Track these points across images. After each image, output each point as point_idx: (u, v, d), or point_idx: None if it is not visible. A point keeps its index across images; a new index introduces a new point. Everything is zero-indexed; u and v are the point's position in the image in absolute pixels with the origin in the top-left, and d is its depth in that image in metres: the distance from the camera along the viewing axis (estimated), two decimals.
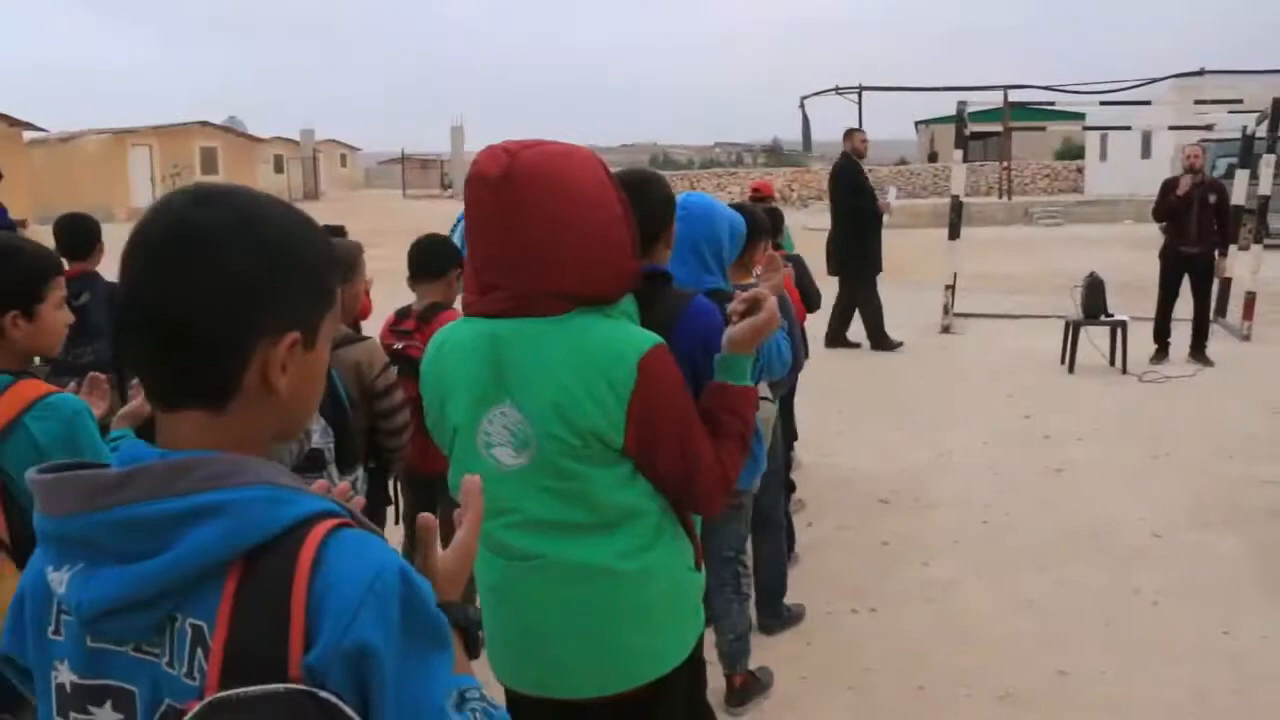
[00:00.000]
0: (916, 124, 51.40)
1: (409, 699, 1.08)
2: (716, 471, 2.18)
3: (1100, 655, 4.44)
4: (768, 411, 3.90)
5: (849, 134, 11.41)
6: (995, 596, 5.04)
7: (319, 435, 3.21)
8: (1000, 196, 33.03)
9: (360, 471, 3.56)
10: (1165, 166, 23.74)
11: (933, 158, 45.20)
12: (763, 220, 4.41)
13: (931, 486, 6.63)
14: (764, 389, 3.99)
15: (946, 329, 12.07)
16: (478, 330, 2.15)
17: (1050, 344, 10.40)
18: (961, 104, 12.12)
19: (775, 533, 4.56)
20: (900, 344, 11.06)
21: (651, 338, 2.12)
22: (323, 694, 1.03)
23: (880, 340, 11.08)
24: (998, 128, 28.58)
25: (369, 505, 3.55)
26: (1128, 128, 17.10)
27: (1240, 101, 12.93)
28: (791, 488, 6.08)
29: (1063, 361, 10.00)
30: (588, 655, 2.18)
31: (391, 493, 4.20)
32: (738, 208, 3.95)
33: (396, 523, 4.04)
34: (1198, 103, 15.56)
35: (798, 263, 6.38)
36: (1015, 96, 30.20)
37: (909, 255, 17.64)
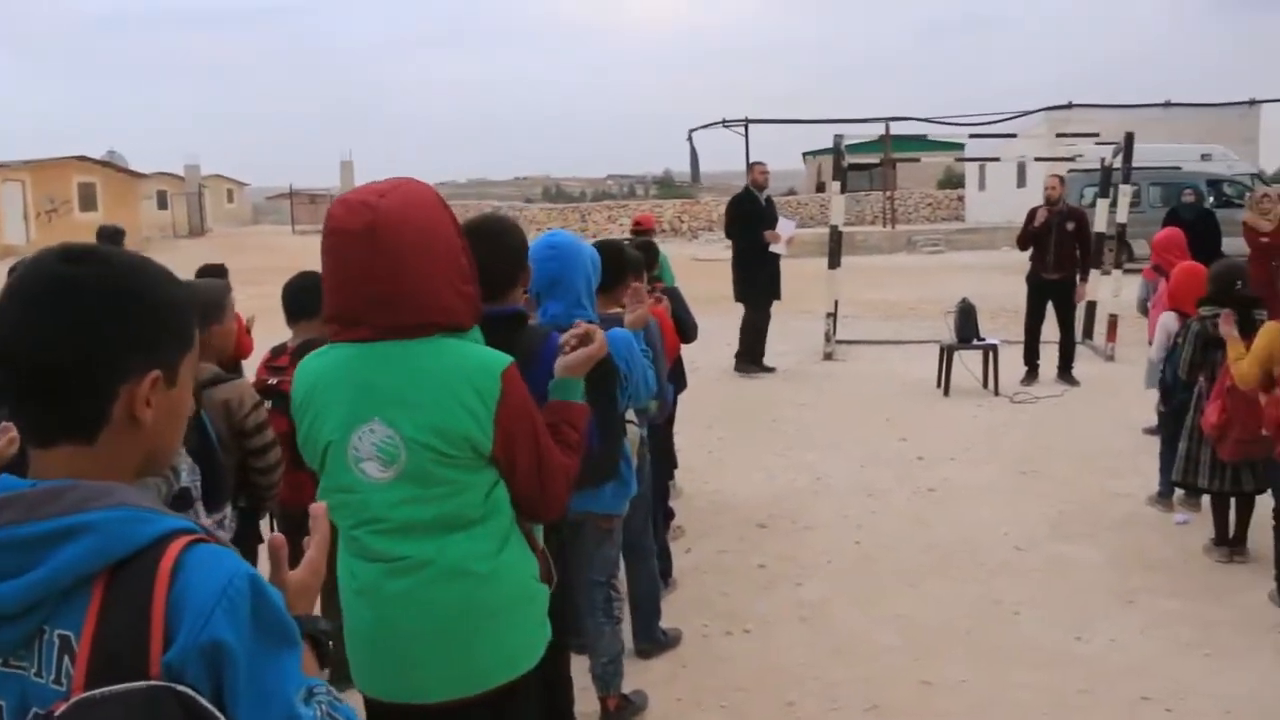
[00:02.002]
0: (804, 155, 52.40)
1: (260, 691, 1.20)
2: (564, 474, 2.43)
3: (962, 665, 4.64)
4: (634, 434, 4.02)
5: (750, 167, 11.83)
6: (865, 614, 5.21)
7: (186, 474, 3.23)
8: (884, 225, 33.87)
9: (229, 510, 3.59)
10: (1039, 195, 24.56)
11: (820, 188, 46.05)
12: (632, 256, 4.55)
13: (808, 510, 6.81)
14: (632, 415, 4.13)
15: (829, 356, 12.37)
16: (347, 354, 2.33)
17: (928, 369, 10.72)
18: (838, 137, 12.47)
19: (646, 558, 4.67)
20: (772, 369, 11.39)
21: (506, 356, 2.35)
22: (180, 688, 1.14)
23: (748, 366, 11.44)
24: (877, 159, 29.38)
25: (240, 544, 3.59)
26: (996, 159, 17.68)
27: (1098, 135, 13.58)
28: (670, 515, 6.23)
29: (939, 385, 10.33)
30: (443, 656, 2.35)
31: (270, 529, 4.22)
32: (600, 246, 4.15)
33: None
34: (1059, 135, 16.30)
35: (674, 295, 6.54)
36: (896, 129, 31.03)
37: (796, 284, 17.93)
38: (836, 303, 12.68)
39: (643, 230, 9.35)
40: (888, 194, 33.99)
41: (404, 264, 2.24)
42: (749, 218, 11.33)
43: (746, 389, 10.83)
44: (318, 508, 1.58)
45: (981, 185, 36.33)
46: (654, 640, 4.72)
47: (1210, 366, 5.86)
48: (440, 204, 2.36)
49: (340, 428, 2.31)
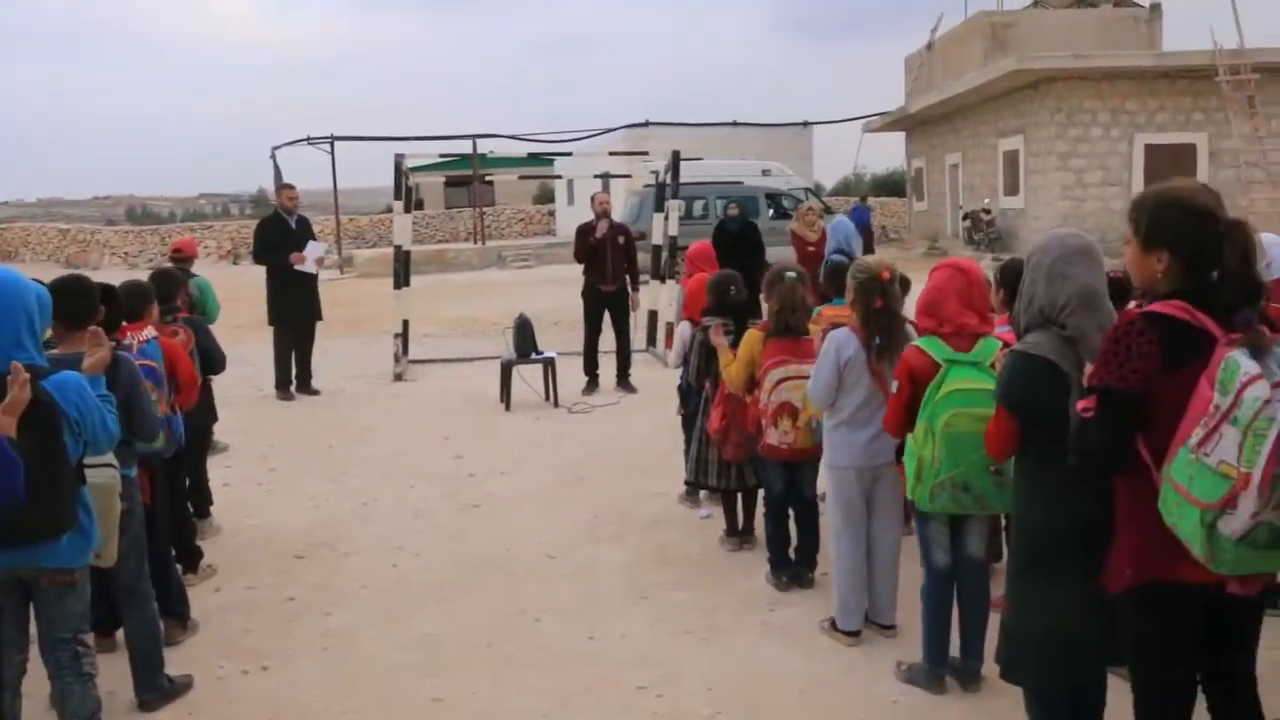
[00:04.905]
0: None
1: None
2: None
3: (476, 677, 4.76)
4: (108, 477, 3.84)
5: (278, 190, 11.68)
6: (391, 637, 5.22)
7: None
8: (475, 241, 34.30)
9: None
10: (618, 210, 25.90)
11: (419, 205, 46.08)
12: (98, 290, 4.28)
13: (350, 536, 6.74)
14: (110, 457, 3.95)
15: (399, 377, 12.35)
16: None
17: (495, 385, 10.96)
18: (399, 156, 12.47)
19: (143, 603, 4.46)
20: (293, 397, 11.28)
21: None
22: None
23: (283, 388, 11.33)
24: (440, 177, 29.95)
25: None
26: (559, 176, 18.57)
27: (647, 154, 14.50)
28: (198, 554, 6.00)
29: (501, 400, 10.59)
30: None
31: None
32: (57, 283, 3.95)
33: None
34: (611, 154, 17.27)
35: (197, 326, 6.32)
36: (497, 146, 31.54)
37: (378, 303, 17.88)
38: (405, 323, 12.71)
39: (184, 257, 8.95)
40: (477, 210, 34.46)
41: None
42: (278, 241, 11.26)
43: (309, 416, 10.60)
44: None
45: (570, 200, 37.58)
46: (157, 689, 4.50)
47: (715, 374, 6.35)
48: None
49: None
